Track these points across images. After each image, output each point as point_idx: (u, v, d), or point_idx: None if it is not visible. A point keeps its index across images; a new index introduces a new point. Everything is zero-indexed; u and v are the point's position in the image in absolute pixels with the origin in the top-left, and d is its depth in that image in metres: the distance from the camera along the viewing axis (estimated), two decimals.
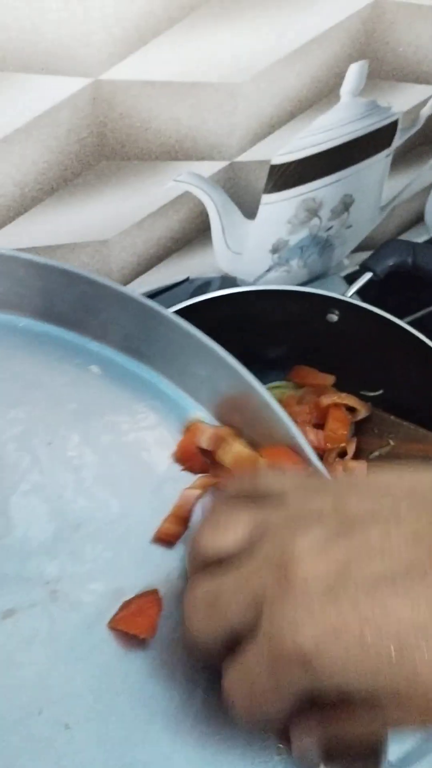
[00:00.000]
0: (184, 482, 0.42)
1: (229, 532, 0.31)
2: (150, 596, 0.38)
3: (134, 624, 0.37)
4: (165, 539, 0.40)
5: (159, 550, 0.40)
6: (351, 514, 0.29)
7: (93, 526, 0.39)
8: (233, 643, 0.30)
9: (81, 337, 0.44)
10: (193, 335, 0.42)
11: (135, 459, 0.42)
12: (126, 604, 0.37)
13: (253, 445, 0.42)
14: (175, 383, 0.44)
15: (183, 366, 0.43)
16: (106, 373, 0.44)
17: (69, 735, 0.34)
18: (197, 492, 0.41)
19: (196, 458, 0.43)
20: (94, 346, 0.44)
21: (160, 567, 0.39)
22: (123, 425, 0.42)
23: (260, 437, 0.42)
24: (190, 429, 0.43)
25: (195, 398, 0.44)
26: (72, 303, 0.43)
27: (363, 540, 0.28)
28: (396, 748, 0.59)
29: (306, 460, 0.40)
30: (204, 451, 0.42)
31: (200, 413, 0.44)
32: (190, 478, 0.42)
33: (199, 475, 0.42)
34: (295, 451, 0.41)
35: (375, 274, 0.64)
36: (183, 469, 0.42)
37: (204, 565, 0.32)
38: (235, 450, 0.42)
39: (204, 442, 0.42)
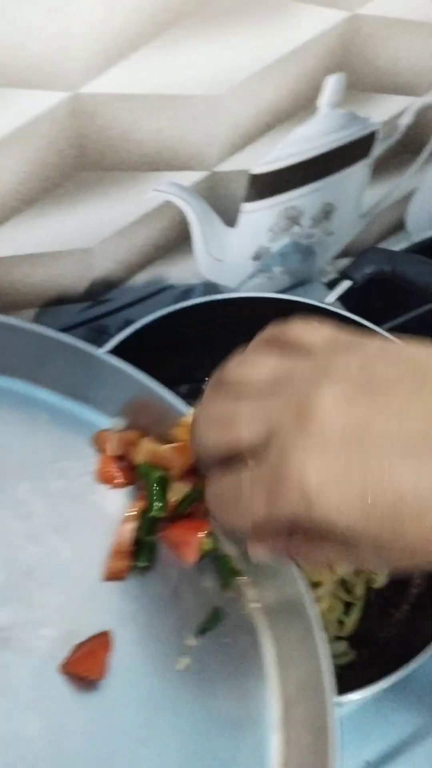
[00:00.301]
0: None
1: (255, 369, 0.32)
2: (101, 638, 0.39)
3: (85, 666, 0.38)
4: (115, 576, 0.41)
5: (111, 590, 0.41)
6: (377, 375, 0.29)
7: (44, 571, 0.40)
8: (230, 460, 0.32)
9: (30, 386, 0.46)
10: (135, 377, 0.44)
11: (85, 502, 0.43)
12: (77, 647, 0.39)
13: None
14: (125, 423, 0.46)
15: (130, 407, 0.45)
16: (55, 420, 0.45)
17: None
18: (131, 525, 0.43)
19: (114, 470, 0.44)
20: (43, 394, 0.46)
21: (112, 606, 0.41)
22: (73, 470, 0.43)
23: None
24: (97, 441, 0.44)
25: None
26: (19, 354, 0.44)
27: (384, 401, 0.29)
28: (373, 749, 0.60)
29: None
30: (120, 459, 0.44)
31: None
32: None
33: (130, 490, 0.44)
34: None
35: (354, 282, 0.66)
36: (112, 487, 0.44)
37: (225, 389, 0.33)
38: (145, 447, 0.43)
39: (113, 449, 0.44)
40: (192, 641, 0.42)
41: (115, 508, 0.43)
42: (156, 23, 0.48)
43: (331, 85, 0.61)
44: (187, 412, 0.44)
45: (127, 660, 0.39)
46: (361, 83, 0.63)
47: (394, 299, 0.85)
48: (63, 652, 0.39)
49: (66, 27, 0.45)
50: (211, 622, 0.42)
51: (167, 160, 0.58)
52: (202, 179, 0.62)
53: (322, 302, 0.66)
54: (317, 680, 0.40)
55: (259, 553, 0.34)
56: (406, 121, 0.69)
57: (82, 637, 0.39)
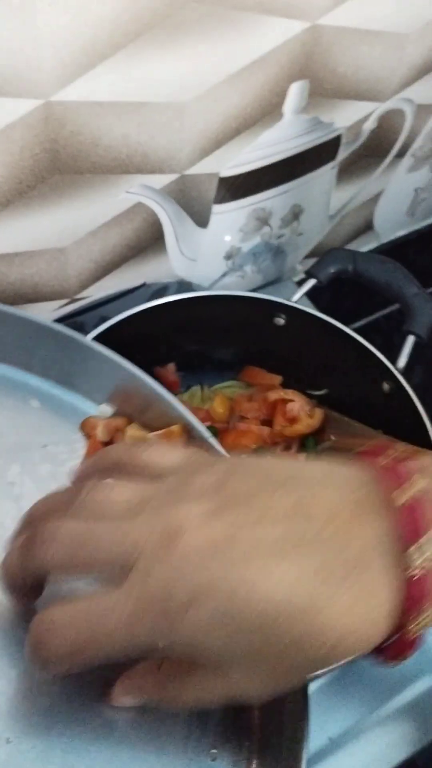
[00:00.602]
0: None
1: (111, 492, 0.32)
2: None
3: None
4: None
5: None
6: (233, 490, 0.30)
7: None
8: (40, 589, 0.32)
9: (22, 373, 0.48)
10: (121, 365, 0.46)
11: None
12: None
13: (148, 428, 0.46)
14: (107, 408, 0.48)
15: (117, 395, 0.47)
16: (45, 406, 0.48)
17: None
18: None
19: None
20: (34, 380, 0.48)
21: None
22: (61, 455, 0.45)
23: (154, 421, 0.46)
24: (85, 427, 0.47)
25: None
26: (12, 341, 0.46)
27: (245, 513, 0.29)
28: (336, 726, 0.62)
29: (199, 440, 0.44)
30: (107, 445, 0.46)
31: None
32: None
33: None
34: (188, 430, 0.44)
35: (318, 281, 0.68)
36: None
37: (75, 511, 0.32)
38: (130, 434, 0.45)
39: (101, 434, 0.46)
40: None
41: None
42: (124, 34, 0.51)
43: (295, 92, 0.63)
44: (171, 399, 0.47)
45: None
46: (324, 90, 0.65)
47: (364, 299, 0.88)
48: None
49: (37, 38, 0.47)
50: None
51: (138, 163, 0.60)
52: (173, 182, 0.65)
53: (290, 300, 0.69)
54: None
55: (123, 699, 0.33)
56: (369, 126, 0.72)
57: None
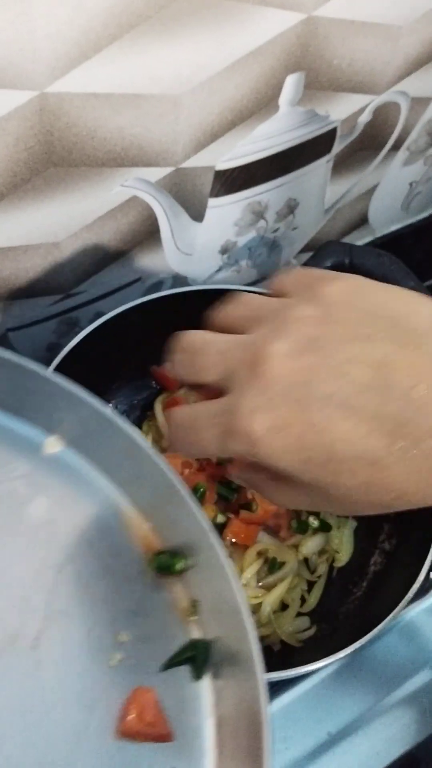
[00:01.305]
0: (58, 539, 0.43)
1: (235, 310, 0.36)
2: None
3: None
4: None
5: (41, 594, 0.42)
6: (331, 329, 0.32)
7: None
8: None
9: None
10: (55, 383, 0.43)
11: (9, 510, 0.43)
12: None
13: None
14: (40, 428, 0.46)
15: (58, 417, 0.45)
16: None
17: None
18: None
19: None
20: None
21: (41, 607, 0.41)
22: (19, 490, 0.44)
23: None
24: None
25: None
26: None
27: (332, 358, 0.31)
28: (335, 720, 0.62)
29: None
30: None
31: None
32: None
33: None
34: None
35: None
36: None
37: (209, 326, 0.37)
38: None
39: None
40: (124, 637, 0.42)
41: (39, 514, 0.44)
42: (119, 25, 0.50)
43: (291, 84, 0.63)
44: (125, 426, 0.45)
45: (59, 655, 0.40)
46: (320, 82, 0.65)
47: None
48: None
49: (31, 30, 0.47)
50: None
51: (133, 156, 0.60)
52: (168, 175, 0.64)
53: None
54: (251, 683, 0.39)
55: (233, 475, 0.39)
56: (364, 118, 0.72)
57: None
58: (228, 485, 0.64)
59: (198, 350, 0.35)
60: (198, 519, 0.41)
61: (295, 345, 0.32)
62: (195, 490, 0.64)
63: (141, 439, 0.42)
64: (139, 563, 0.44)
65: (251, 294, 0.36)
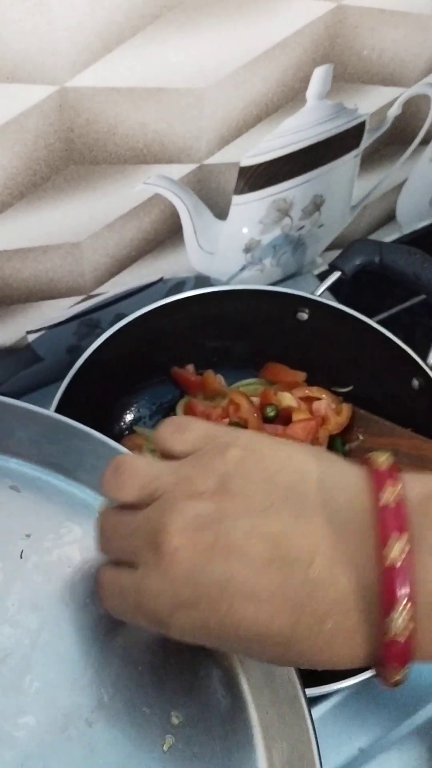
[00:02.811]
0: None
1: (126, 484, 0.35)
2: None
3: None
4: None
5: (91, 669, 0.39)
6: (227, 504, 0.32)
7: (19, 654, 0.38)
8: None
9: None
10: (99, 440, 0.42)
11: (60, 577, 0.41)
12: None
13: None
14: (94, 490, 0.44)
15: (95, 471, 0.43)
16: (25, 490, 0.44)
17: None
18: None
19: None
20: (12, 463, 0.44)
21: (93, 684, 0.39)
22: (46, 543, 0.42)
23: None
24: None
25: None
26: None
27: (229, 535, 0.31)
28: (366, 736, 0.60)
29: None
30: None
31: None
32: None
33: None
34: None
35: (343, 273, 0.66)
36: None
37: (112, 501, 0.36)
38: None
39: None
40: (176, 719, 0.39)
41: (90, 583, 0.41)
42: (141, 16, 0.48)
43: (319, 77, 0.61)
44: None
45: (110, 739, 0.37)
46: (349, 74, 0.63)
47: (385, 291, 0.86)
48: (46, 742, 0.37)
49: (50, 21, 0.45)
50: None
51: (155, 153, 0.58)
52: (192, 172, 0.62)
53: (313, 294, 0.67)
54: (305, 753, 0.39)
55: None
56: (394, 112, 0.70)
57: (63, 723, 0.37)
58: None
59: (109, 531, 0.36)
60: None
61: (193, 522, 0.31)
62: None
63: None
64: None
65: (137, 460, 0.35)
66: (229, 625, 0.31)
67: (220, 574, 0.30)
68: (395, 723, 0.61)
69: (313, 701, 0.60)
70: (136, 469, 0.35)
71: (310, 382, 0.69)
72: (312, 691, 0.52)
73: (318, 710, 0.60)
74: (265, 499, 0.31)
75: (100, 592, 0.36)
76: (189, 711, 0.39)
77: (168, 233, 0.67)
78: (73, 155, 0.54)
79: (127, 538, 0.34)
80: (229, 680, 0.41)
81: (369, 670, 0.52)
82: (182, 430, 0.35)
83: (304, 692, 0.38)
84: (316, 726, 0.60)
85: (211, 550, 0.31)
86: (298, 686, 0.38)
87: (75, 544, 0.42)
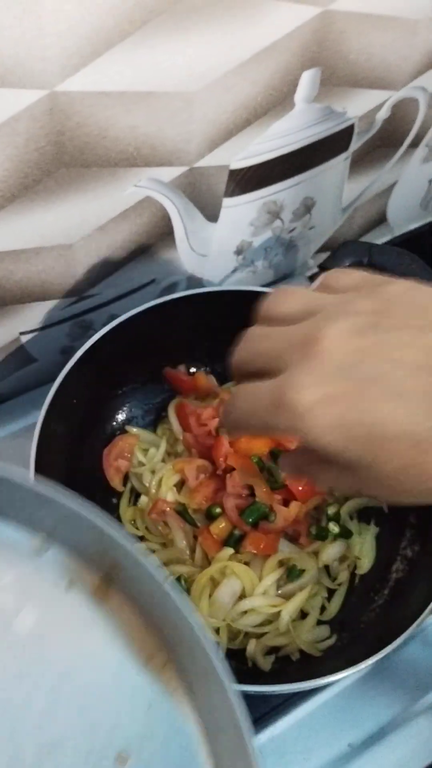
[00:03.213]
0: None
1: (288, 302, 0.36)
2: None
3: None
4: None
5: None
6: (388, 317, 0.33)
7: None
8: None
9: None
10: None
11: None
12: None
13: None
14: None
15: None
16: None
17: None
18: None
19: None
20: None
21: None
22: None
23: None
24: None
25: None
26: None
27: (386, 343, 0.32)
28: (355, 731, 0.61)
29: None
30: None
31: None
32: None
33: None
34: None
35: None
36: None
37: (264, 320, 0.37)
38: None
39: None
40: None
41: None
42: (130, 21, 0.49)
43: (307, 80, 0.62)
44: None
45: None
46: (337, 78, 0.64)
47: None
48: None
49: (40, 27, 0.46)
50: None
51: (146, 156, 0.59)
52: (182, 174, 0.63)
53: None
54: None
55: (282, 463, 0.41)
56: (382, 115, 0.70)
57: None
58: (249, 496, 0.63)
59: (257, 337, 0.36)
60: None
61: (351, 327, 0.33)
62: (209, 511, 0.63)
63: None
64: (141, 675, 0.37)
65: (301, 289, 0.37)
66: (367, 423, 0.31)
67: (370, 372, 0.31)
68: (385, 719, 0.61)
69: (301, 697, 0.61)
70: (302, 291, 0.36)
71: None
72: (300, 686, 0.52)
73: (307, 706, 0.61)
74: (424, 319, 0.33)
75: (227, 405, 0.37)
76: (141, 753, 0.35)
77: (160, 235, 0.68)
78: (64, 158, 0.54)
79: (277, 342, 0.34)
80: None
81: (355, 667, 0.53)
82: (348, 272, 0.37)
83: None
84: (304, 723, 0.60)
85: (365, 352, 0.32)
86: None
87: (8, 588, 0.37)
